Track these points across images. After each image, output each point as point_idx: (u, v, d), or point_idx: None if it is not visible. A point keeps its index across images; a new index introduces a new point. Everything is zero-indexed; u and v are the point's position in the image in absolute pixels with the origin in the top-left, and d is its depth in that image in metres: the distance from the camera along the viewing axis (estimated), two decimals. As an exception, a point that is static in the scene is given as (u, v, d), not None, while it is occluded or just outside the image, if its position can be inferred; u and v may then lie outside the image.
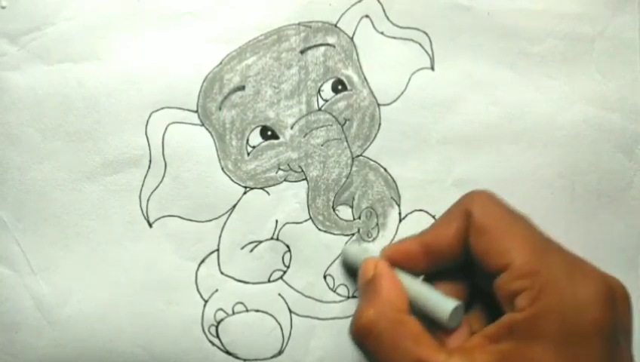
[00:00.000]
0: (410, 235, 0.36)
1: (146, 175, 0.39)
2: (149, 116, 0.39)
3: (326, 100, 0.39)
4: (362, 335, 0.32)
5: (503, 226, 0.32)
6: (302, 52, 0.40)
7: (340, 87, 0.40)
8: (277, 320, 0.39)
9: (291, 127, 0.39)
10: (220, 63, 0.39)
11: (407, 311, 0.33)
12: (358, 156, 0.40)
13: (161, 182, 0.39)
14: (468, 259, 0.33)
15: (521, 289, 0.30)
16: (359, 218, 0.40)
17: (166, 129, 0.39)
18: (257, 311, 0.39)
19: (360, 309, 0.33)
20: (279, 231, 0.39)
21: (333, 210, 0.39)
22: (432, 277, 0.36)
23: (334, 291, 0.39)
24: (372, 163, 0.40)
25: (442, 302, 0.33)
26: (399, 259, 0.35)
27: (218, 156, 0.39)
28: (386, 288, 0.34)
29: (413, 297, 0.34)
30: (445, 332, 0.33)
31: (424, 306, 0.34)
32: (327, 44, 0.40)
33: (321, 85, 0.40)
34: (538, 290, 0.30)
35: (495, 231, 0.32)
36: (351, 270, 0.39)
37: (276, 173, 0.39)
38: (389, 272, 0.35)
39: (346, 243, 0.39)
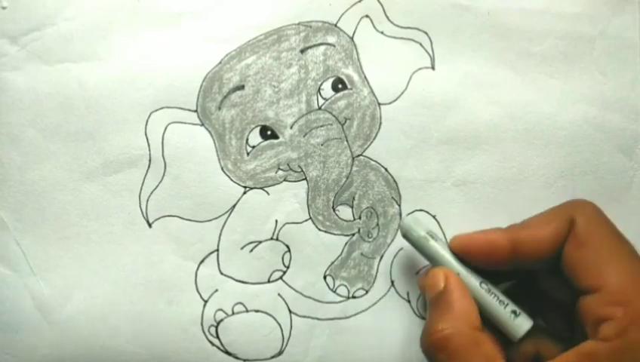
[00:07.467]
0: (487, 229, 0.34)
1: (146, 175, 0.39)
2: (149, 116, 0.39)
3: (326, 99, 0.39)
4: (436, 349, 0.31)
5: (606, 245, 0.31)
6: (302, 51, 0.39)
7: (340, 85, 0.40)
8: (277, 321, 0.39)
9: (291, 127, 0.39)
10: (220, 63, 0.39)
11: (481, 329, 0.32)
12: (359, 156, 0.40)
13: (160, 182, 0.39)
14: (547, 265, 0.32)
15: (611, 316, 0.29)
16: (359, 218, 0.40)
17: (166, 129, 0.39)
18: (257, 311, 0.39)
19: (433, 322, 0.32)
20: (279, 231, 0.39)
21: (333, 210, 0.39)
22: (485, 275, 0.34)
23: (334, 291, 0.39)
24: (372, 163, 0.40)
25: (517, 321, 0.33)
26: (475, 251, 0.33)
27: (218, 156, 0.39)
28: (459, 303, 0.32)
29: (483, 307, 0.33)
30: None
31: (496, 320, 0.33)
32: (327, 44, 0.40)
33: (321, 84, 0.40)
34: (629, 321, 0.28)
35: (596, 247, 0.31)
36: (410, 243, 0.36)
37: (276, 173, 0.39)
38: (461, 286, 0.33)
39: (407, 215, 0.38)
